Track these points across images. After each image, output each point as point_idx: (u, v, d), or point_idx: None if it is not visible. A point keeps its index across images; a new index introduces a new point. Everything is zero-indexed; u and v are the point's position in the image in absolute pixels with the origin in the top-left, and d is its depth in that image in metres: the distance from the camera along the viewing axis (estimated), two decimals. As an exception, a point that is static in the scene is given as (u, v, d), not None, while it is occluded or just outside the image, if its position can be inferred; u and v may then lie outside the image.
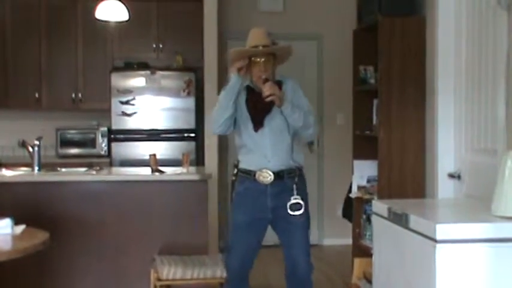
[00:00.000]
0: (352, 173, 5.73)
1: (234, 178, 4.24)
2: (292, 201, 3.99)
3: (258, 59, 4.04)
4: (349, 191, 5.83)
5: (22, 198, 4.97)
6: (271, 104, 3.98)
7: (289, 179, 4.03)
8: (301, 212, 4.00)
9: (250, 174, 4.07)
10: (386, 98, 5.08)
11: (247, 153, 4.12)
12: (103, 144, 7.45)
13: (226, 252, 4.24)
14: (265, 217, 4.07)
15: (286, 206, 3.99)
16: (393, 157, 5.09)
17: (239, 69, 4.01)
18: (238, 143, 4.18)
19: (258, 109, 4.04)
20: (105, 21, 6.20)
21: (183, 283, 4.55)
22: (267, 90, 3.92)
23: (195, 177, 5.15)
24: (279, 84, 4.08)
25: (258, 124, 4.04)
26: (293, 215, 4.00)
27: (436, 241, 2.51)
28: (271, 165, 4.02)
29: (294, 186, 4.02)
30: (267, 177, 4.02)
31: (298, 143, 4.19)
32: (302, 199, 4.02)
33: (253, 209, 4.08)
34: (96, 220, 5.06)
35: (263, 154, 4.04)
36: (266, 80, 3.96)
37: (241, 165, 4.15)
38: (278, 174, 4.02)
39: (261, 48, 4.04)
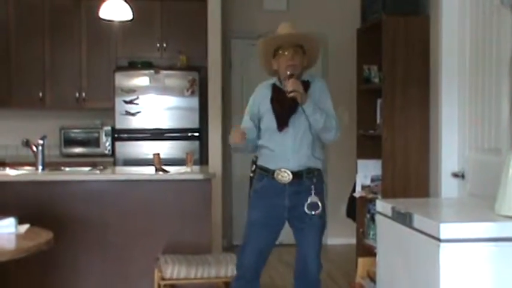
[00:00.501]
0: (356, 172, 5.73)
1: (252, 175, 4.20)
2: (309, 200, 3.97)
3: (286, 52, 4.00)
4: (353, 190, 5.83)
5: (26, 198, 4.97)
6: (296, 104, 3.93)
7: (307, 179, 4.01)
8: (318, 211, 3.97)
9: (268, 172, 4.04)
10: (390, 97, 5.08)
11: (267, 152, 4.08)
12: (107, 144, 7.45)
13: (240, 248, 4.19)
14: (282, 216, 4.05)
15: (303, 205, 3.97)
16: (397, 156, 5.09)
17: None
18: (259, 143, 4.13)
19: (284, 108, 3.99)
20: (109, 21, 6.20)
21: (187, 282, 4.56)
22: (290, 86, 3.87)
23: (199, 176, 5.15)
24: (307, 84, 4.02)
25: (282, 124, 3.99)
26: (310, 214, 3.97)
27: (440, 240, 2.51)
28: (290, 166, 3.99)
29: (313, 186, 4.00)
30: (286, 176, 3.99)
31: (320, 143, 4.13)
32: (320, 200, 4.00)
33: (270, 207, 4.05)
34: (99, 219, 5.06)
35: (284, 154, 4.00)
36: (291, 76, 3.91)
37: (260, 163, 4.12)
38: (297, 174, 3.99)
39: (286, 34, 4.02)
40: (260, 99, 4.13)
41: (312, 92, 4.01)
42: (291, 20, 7.48)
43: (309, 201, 3.96)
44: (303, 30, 4.15)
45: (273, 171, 4.01)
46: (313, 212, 3.97)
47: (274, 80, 4.14)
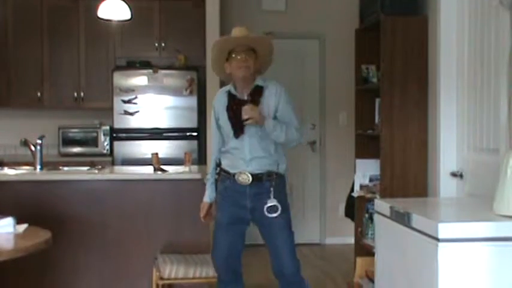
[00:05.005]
0: (355, 172, 5.73)
1: (217, 177, 4.29)
2: (269, 203, 4.03)
3: (239, 56, 4.05)
4: (352, 190, 5.83)
5: (24, 197, 4.97)
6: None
7: (267, 181, 4.07)
8: (276, 214, 4.03)
9: (230, 174, 4.14)
10: (388, 97, 5.08)
11: (227, 156, 4.18)
12: (105, 143, 7.45)
13: (212, 251, 4.29)
14: (245, 217, 4.14)
15: (263, 207, 4.03)
16: (395, 156, 5.09)
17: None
18: (222, 149, 4.23)
19: (239, 116, 4.06)
20: (108, 20, 6.19)
21: (185, 282, 4.56)
22: (245, 114, 4.00)
23: (197, 176, 5.15)
24: (260, 89, 4.11)
25: (238, 131, 4.09)
26: (270, 217, 4.04)
27: (438, 240, 2.51)
28: (249, 169, 4.07)
29: (272, 189, 4.05)
30: (246, 178, 4.07)
31: (282, 147, 4.20)
32: (279, 201, 4.05)
33: (233, 208, 4.14)
34: (98, 219, 5.06)
35: (242, 158, 4.09)
36: (245, 102, 4.03)
37: (222, 166, 4.21)
38: (257, 176, 4.07)
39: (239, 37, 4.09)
40: (218, 107, 4.23)
41: (266, 98, 4.09)
42: (289, 20, 7.55)
43: (268, 204, 4.03)
44: (255, 34, 4.22)
45: (234, 174, 4.10)
46: (273, 215, 4.03)
47: (229, 86, 4.21)
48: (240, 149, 4.09)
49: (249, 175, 4.06)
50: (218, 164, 4.25)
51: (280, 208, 4.04)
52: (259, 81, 4.14)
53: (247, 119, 3.99)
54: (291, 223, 4.17)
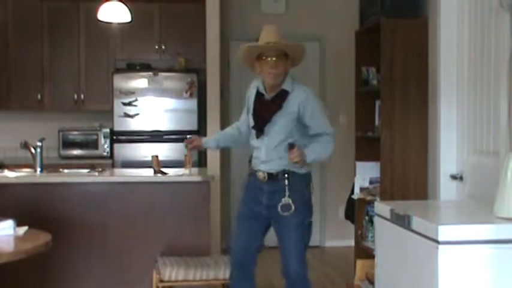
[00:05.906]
0: (355, 174, 5.73)
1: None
2: (283, 202, 4.08)
3: (269, 58, 4.09)
4: (352, 192, 5.83)
5: (24, 200, 4.97)
6: (271, 113, 4.11)
7: (283, 180, 4.12)
8: (289, 213, 4.07)
9: (253, 171, 4.26)
10: (388, 99, 5.08)
11: (253, 153, 4.31)
12: (105, 146, 7.45)
13: (232, 243, 4.39)
14: (261, 212, 4.20)
15: (278, 206, 4.09)
16: (395, 158, 5.08)
17: None
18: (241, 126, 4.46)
19: (260, 117, 4.17)
20: (108, 23, 6.20)
21: (185, 284, 4.55)
22: (293, 157, 4.01)
23: (198, 178, 5.16)
24: (285, 94, 4.13)
25: (259, 132, 4.19)
26: (283, 215, 4.08)
27: (438, 242, 2.51)
28: (265, 168, 4.17)
29: (287, 187, 4.09)
30: (261, 175, 4.18)
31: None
32: (294, 201, 4.08)
33: (252, 202, 4.24)
34: (98, 221, 5.05)
35: (259, 157, 4.20)
36: (293, 146, 4.03)
37: (251, 162, 4.34)
38: (272, 175, 4.15)
39: (271, 44, 4.09)
40: (249, 98, 4.34)
41: (288, 102, 4.12)
42: (289, 22, 7.55)
43: (282, 202, 4.09)
44: (286, 39, 4.20)
45: (256, 171, 4.23)
46: (286, 213, 4.07)
47: (259, 82, 4.27)
48: (259, 149, 4.20)
49: (265, 173, 4.15)
50: (249, 160, 4.36)
51: (293, 207, 4.07)
52: (287, 85, 4.16)
53: (295, 162, 4.04)
54: (304, 223, 4.17)
